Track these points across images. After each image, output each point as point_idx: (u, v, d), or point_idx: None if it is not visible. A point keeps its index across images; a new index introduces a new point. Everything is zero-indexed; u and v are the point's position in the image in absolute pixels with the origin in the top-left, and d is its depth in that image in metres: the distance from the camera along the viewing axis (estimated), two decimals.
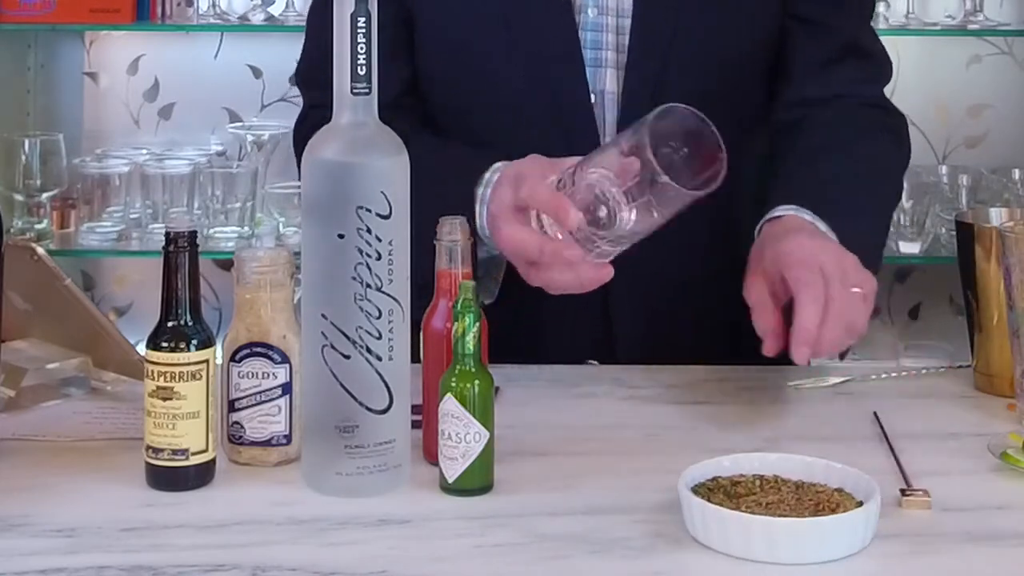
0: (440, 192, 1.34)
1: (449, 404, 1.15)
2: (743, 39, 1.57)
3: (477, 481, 1.16)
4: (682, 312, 1.57)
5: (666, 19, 1.53)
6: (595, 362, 1.56)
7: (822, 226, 1.40)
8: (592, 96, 1.53)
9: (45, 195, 2.96)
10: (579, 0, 1.53)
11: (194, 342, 1.17)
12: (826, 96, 1.58)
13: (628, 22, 1.53)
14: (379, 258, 1.14)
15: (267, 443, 1.22)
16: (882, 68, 1.65)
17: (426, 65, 1.59)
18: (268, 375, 1.22)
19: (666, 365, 1.50)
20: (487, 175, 1.40)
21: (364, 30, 1.14)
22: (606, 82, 1.53)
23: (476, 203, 1.39)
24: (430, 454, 1.21)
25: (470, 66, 1.55)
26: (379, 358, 1.15)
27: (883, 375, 1.50)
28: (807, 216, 1.40)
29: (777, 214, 1.42)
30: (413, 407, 1.20)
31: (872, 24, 1.69)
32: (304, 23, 1.62)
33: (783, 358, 1.56)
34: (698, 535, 1.07)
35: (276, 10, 3.14)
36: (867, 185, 1.51)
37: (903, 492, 1.16)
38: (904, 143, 1.63)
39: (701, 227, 1.44)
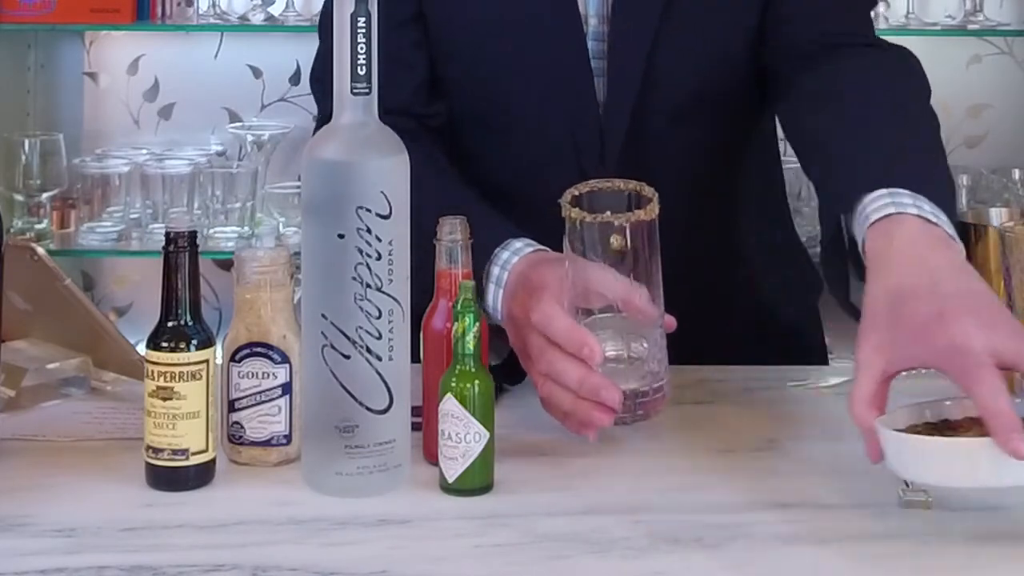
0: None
1: (449, 404, 1.15)
2: (729, 40, 1.51)
3: (477, 481, 1.16)
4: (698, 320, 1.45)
5: (643, 25, 1.47)
6: None
7: (928, 212, 1.22)
8: (600, 108, 1.48)
9: (45, 195, 2.96)
10: (582, 9, 1.48)
11: (194, 342, 1.17)
12: (822, 39, 1.49)
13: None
14: (379, 258, 1.14)
15: (267, 443, 1.22)
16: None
17: (440, 70, 1.53)
18: (268, 375, 1.22)
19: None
20: (504, 254, 1.33)
21: (364, 30, 1.14)
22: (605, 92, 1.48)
23: (489, 282, 1.32)
24: (430, 454, 1.20)
25: (481, 74, 1.51)
26: (379, 358, 1.15)
27: None
28: (911, 210, 1.22)
29: (878, 215, 1.22)
30: (413, 409, 1.20)
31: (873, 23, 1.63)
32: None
33: (783, 358, 1.57)
34: (913, 474, 1.10)
35: (276, 10, 3.14)
36: (932, 145, 1.48)
37: (903, 492, 1.16)
38: (923, 82, 1.58)
39: (703, 245, 1.49)
